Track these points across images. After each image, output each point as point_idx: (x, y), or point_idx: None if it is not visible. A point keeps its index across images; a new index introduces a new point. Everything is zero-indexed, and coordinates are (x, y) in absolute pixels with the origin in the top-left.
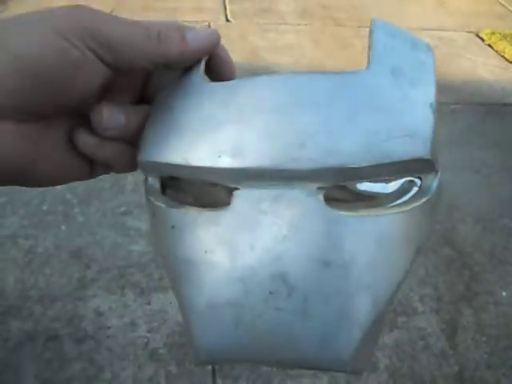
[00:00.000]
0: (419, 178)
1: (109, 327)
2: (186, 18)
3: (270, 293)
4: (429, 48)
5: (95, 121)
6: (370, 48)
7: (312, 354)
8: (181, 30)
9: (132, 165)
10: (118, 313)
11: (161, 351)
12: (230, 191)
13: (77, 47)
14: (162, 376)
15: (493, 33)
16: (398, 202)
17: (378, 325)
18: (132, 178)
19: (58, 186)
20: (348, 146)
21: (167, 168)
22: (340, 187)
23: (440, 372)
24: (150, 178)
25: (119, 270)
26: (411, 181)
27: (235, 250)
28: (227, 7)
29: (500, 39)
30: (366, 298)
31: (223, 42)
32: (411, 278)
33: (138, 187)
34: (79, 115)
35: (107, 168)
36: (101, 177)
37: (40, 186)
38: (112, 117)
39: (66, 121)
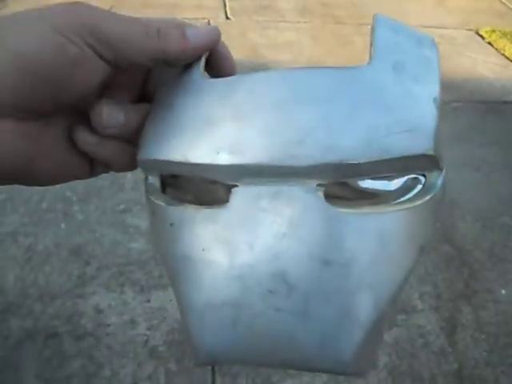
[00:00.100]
0: (423, 176)
1: (108, 325)
2: (186, 15)
3: (270, 292)
4: (433, 43)
5: (95, 119)
6: (371, 43)
7: (313, 355)
8: (181, 26)
9: (132, 163)
10: (117, 310)
11: (160, 349)
12: (229, 188)
13: (75, 44)
14: (162, 373)
15: (493, 31)
16: (402, 199)
17: (380, 325)
18: (131, 176)
19: (58, 184)
20: (347, 141)
21: (167, 166)
22: (341, 184)
23: (439, 370)
24: (150, 177)
25: (119, 267)
26: (415, 178)
27: (233, 247)
28: (227, 4)
29: (500, 37)
30: (368, 297)
31: (223, 39)
32: (410, 276)
33: (138, 185)
34: (79, 113)
35: (107, 167)
36: (100, 175)
37: (40, 184)
38: (111, 115)
39: (66, 119)
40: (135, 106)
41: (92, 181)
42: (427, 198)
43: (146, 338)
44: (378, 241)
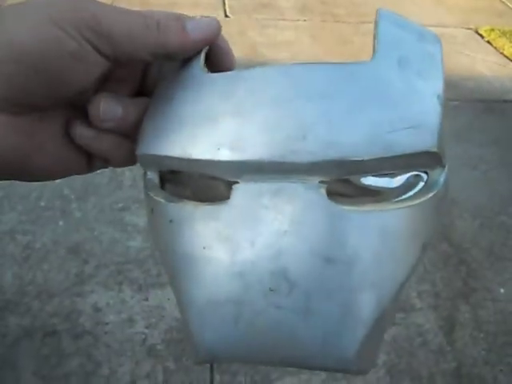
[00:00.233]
0: (425, 173)
1: (106, 323)
2: (184, 13)
3: (271, 290)
4: (436, 39)
5: (92, 113)
6: (375, 38)
7: (314, 352)
8: (180, 19)
9: (130, 158)
10: (115, 309)
11: (158, 347)
12: (230, 185)
13: (74, 38)
14: (160, 372)
15: (492, 29)
16: (404, 196)
17: (382, 323)
18: (130, 174)
19: (56, 182)
20: (350, 138)
21: (166, 161)
22: (344, 181)
23: (437, 368)
24: (148, 173)
25: (117, 265)
26: (417, 175)
27: (235, 245)
28: (226, 2)
29: (499, 36)
30: (370, 295)
31: None
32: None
33: (136, 183)
34: (76, 107)
35: (105, 161)
36: (98, 172)
37: (37, 180)
38: (109, 109)
39: (63, 113)
40: (134, 99)
41: (90, 178)
42: (430, 195)
43: (144, 336)
44: (381, 238)
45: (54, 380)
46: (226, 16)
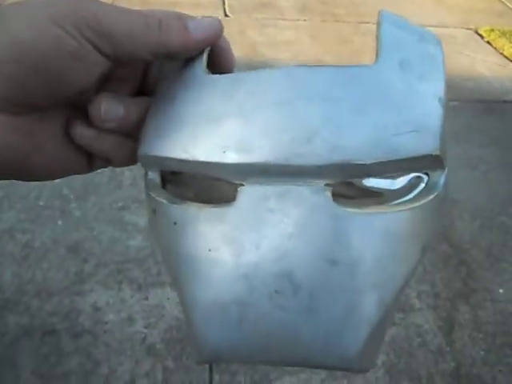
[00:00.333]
0: (426, 174)
1: (106, 322)
2: (184, 12)
3: (276, 292)
4: (437, 40)
5: (93, 113)
6: (377, 40)
7: (318, 352)
8: (182, 19)
9: (131, 158)
10: (115, 308)
11: (158, 346)
12: (234, 186)
13: (74, 37)
14: (159, 371)
15: (492, 30)
16: (406, 198)
17: (384, 323)
18: (130, 173)
19: (55, 181)
20: (355, 141)
21: (169, 162)
22: (346, 183)
23: (436, 368)
24: (150, 173)
25: (116, 265)
26: (418, 177)
27: (240, 247)
28: (226, 2)
29: (499, 36)
30: (373, 296)
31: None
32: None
33: (136, 182)
34: (76, 107)
35: (105, 161)
36: (98, 171)
37: (37, 179)
38: (110, 108)
39: (63, 113)
40: (135, 99)
41: (90, 177)
42: (431, 197)
43: (143, 335)
44: (383, 240)
45: (54, 379)
46: (226, 15)
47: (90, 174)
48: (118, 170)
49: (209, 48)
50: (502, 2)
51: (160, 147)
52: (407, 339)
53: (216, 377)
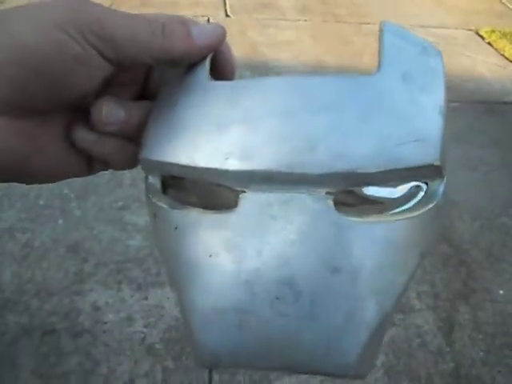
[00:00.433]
0: (425, 183)
1: (105, 322)
2: (185, 12)
3: (277, 298)
4: (437, 51)
5: (94, 116)
6: (380, 51)
7: (318, 358)
8: (185, 24)
9: (131, 162)
10: (114, 307)
11: (157, 346)
12: (236, 193)
13: (77, 42)
14: (159, 371)
15: (493, 31)
16: (405, 207)
17: (383, 328)
18: (130, 173)
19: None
20: (358, 150)
21: (171, 168)
22: (347, 192)
23: (436, 369)
24: (150, 177)
25: (116, 264)
26: (417, 186)
27: (242, 254)
28: (227, 2)
29: (500, 37)
30: (373, 302)
31: None
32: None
33: (136, 182)
34: (77, 110)
35: (105, 164)
36: (98, 173)
37: (36, 182)
38: (112, 112)
39: (63, 116)
40: (136, 103)
41: (90, 177)
42: (430, 206)
43: (143, 335)
44: (384, 248)
45: (53, 378)
46: (227, 15)
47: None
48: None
49: (211, 54)
50: (503, 3)
51: (162, 152)
52: (407, 340)
53: (216, 377)
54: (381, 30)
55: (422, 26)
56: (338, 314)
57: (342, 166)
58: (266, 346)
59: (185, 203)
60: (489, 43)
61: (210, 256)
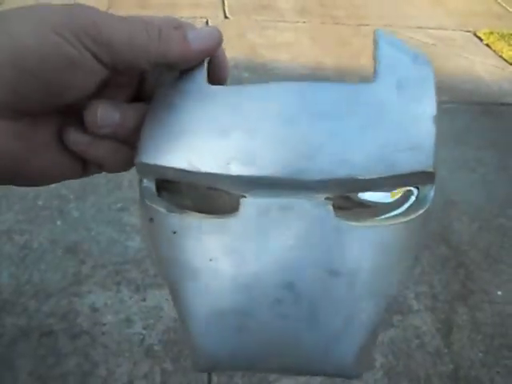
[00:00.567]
0: (416, 187)
1: (104, 323)
2: (184, 14)
3: (277, 301)
4: (428, 61)
5: (89, 119)
6: (375, 59)
7: (316, 359)
8: (181, 28)
9: (125, 164)
10: (113, 309)
11: (156, 348)
12: (235, 197)
13: (74, 46)
14: (158, 373)
15: (491, 32)
16: (399, 211)
17: (378, 329)
18: (128, 174)
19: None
20: (358, 158)
21: (170, 172)
22: (343, 197)
23: (435, 370)
24: (145, 180)
25: (115, 266)
26: (409, 190)
27: (242, 258)
28: (225, 3)
29: (498, 39)
30: (370, 304)
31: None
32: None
33: (135, 183)
34: (70, 112)
35: (99, 167)
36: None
37: (30, 185)
38: (107, 115)
39: (57, 118)
40: (131, 105)
41: (88, 178)
42: (422, 210)
43: (141, 337)
44: (381, 252)
45: (51, 380)
46: (226, 17)
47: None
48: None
49: (208, 58)
50: (501, 5)
51: (160, 156)
52: (405, 341)
53: (214, 378)
54: (375, 39)
55: (421, 28)
56: (337, 316)
57: (342, 172)
58: (264, 349)
59: (181, 207)
60: (487, 45)
61: (210, 260)
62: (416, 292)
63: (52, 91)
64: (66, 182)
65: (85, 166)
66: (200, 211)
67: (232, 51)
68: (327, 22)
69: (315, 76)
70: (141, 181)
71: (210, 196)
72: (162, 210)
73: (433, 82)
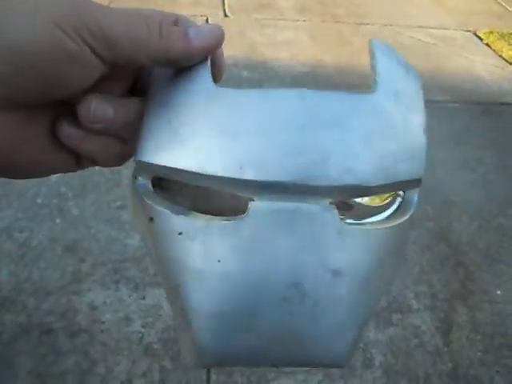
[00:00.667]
0: (403, 191)
1: (103, 322)
2: (184, 12)
3: (284, 299)
4: (416, 73)
5: (83, 114)
6: (373, 69)
7: (317, 353)
8: (183, 24)
9: (118, 159)
10: (112, 307)
11: (155, 346)
12: (237, 198)
13: (73, 39)
14: (156, 371)
15: (491, 32)
16: (387, 213)
17: (368, 322)
18: (128, 172)
19: (53, 179)
20: (363, 166)
21: (174, 172)
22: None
23: (434, 369)
24: (140, 178)
25: (114, 264)
26: (396, 193)
27: (251, 260)
28: (225, 2)
29: (498, 39)
30: (365, 301)
31: None
32: (406, 276)
33: None
34: (64, 105)
35: (92, 161)
36: (96, 170)
37: (24, 177)
38: (100, 110)
39: (50, 111)
40: (125, 100)
41: (88, 176)
42: (410, 212)
43: (140, 335)
44: (378, 252)
45: (51, 378)
46: (226, 15)
47: (89, 173)
48: (116, 168)
49: (210, 55)
50: (501, 5)
51: (165, 156)
52: (405, 340)
53: (213, 377)
54: (372, 50)
55: (421, 27)
56: (336, 312)
57: (349, 180)
58: (268, 345)
59: (183, 206)
60: (487, 44)
61: (219, 261)
62: (415, 291)
63: (49, 85)
64: (66, 179)
65: (78, 160)
66: (199, 211)
67: (232, 49)
68: (327, 21)
69: (315, 74)
70: (135, 178)
71: (209, 196)
72: (166, 210)
73: (422, 93)
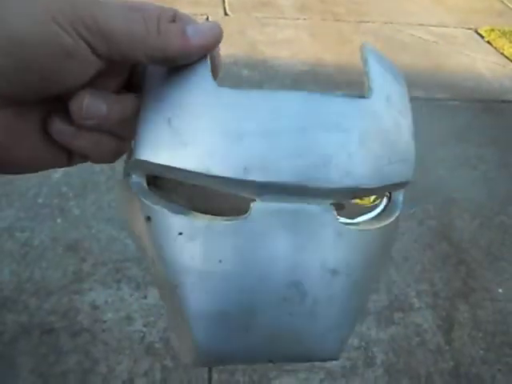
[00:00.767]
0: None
1: (104, 321)
2: (184, 10)
3: (284, 299)
4: (403, 78)
5: (75, 110)
6: (367, 75)
7: (315, 350)
8: (180, 20)
9: (111, 156)
10: (113, 307)
11: (157, 345)
12: (236, 198)
13: (70, 34)
14: (158, 370)
15: (492, 30)
16: (376, 212)
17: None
18: None
19: (54, 179)
20: (362, 169)
21: (175, 172)
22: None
23: (436, 367)
24: (134, 176)
25: (115, 263)
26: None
27: (252, 259)
28: (225, 0)
29: (499, 36)
30: (359, 298)
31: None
32: (408, 274)
33: None
34: (56, 101)
35: (84, 158)
36: (97, 170)
37: (16, 173)
38: (93, 106)
39: (42, 107)
40: (119, 96)
41: (89, 176)
42: (397, 213)
43: (142, 334)
44: (373, 252)
45: (52, 377)
46: (226, 14)
47: (90, 172)
48: (117, 168)
49: (209, 54)
50: (502, 2)
51: (166, 156)
52: (406, 338)
53: (215, 376)
54: (364, 56)
55: (422, 25)
56: (333, 310)
57: (349, 182)
58: (268, 343)
59: (172, 202)
60: (488, 42)
61: (220, 262)
62: (417, 289)
63: (46, 79)
64: (67, 179)
65: (70, 156)
66: (198, 210)
67: (232, 48)
68: (327, 19)
69: (315, 73)
70: (128, 175)
71: (207, 195)
72: (164, 209)
73: (408, 97)
